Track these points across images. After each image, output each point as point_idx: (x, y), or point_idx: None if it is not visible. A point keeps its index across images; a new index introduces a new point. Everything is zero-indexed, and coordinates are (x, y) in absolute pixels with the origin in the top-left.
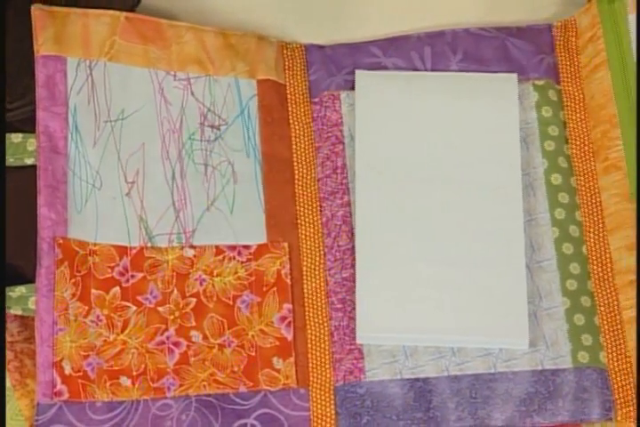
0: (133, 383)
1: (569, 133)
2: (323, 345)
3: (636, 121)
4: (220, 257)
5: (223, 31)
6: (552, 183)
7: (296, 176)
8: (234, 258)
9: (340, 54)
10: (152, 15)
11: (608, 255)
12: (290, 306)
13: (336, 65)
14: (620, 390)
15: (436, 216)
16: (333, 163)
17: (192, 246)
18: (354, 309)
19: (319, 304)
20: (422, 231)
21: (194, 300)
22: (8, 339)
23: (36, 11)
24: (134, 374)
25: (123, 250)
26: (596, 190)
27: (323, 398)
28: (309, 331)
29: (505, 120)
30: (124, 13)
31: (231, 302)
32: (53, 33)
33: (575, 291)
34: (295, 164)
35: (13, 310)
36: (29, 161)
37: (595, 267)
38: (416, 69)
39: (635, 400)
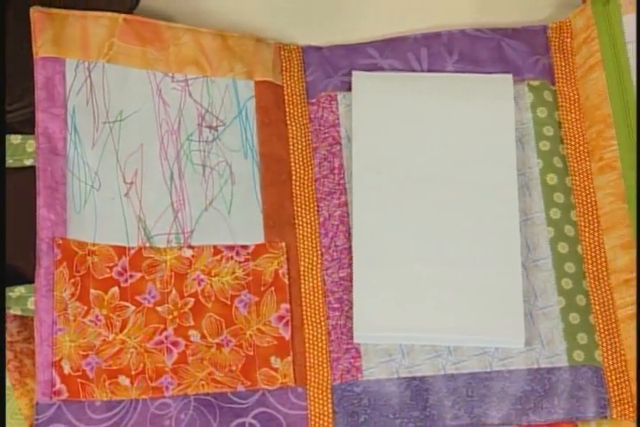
0: (132, 383)
1: (564, 134)
2: (320, 344)
3: (631, 121)
4: (218, 257)
5: (221, 33)
6: (547, 183)
7: (293, 177)
8: (232, 258)
9: (336, 56)
10: (150, 17)
11: (603, 254)
12: (287, 306)
13: (333, 66)
14: (616, 388)
15: (432, 216)
16: (330, 163)
17: (190, 247)
18: (351, 308)
19: (316, 304)
20: (418, 231)
21: (192, 300)
22: (8, 339)
23: (35, 13)
24: (133, 373)
25: (121, 250)
26: (591, 190)
27: (320, 396)
28: (307, 330)
29: (500, 120)
30: (123, 15)
31: (229, 302)
32: (52, 35)
33: (570, 290)
34: (292, 164)
35: (13, 311)
36: (28, 162)
37: (590, 266)
38: (412, 70)
39: (629, 398)
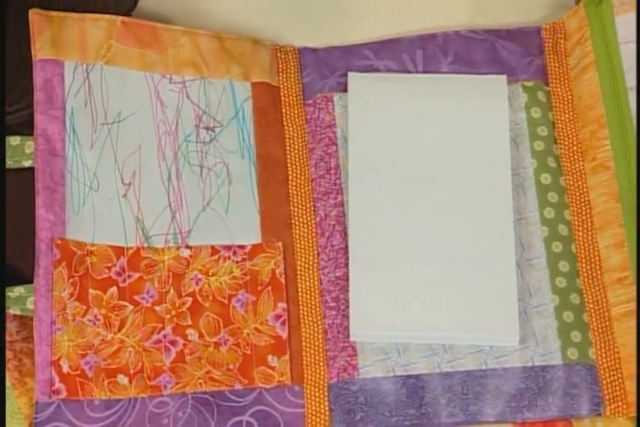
0: (130, 381)
1: (558, 134)
2: (317, 343)
3: (624, 121)
4: (216, 257)
5: (218, 35)
6: (541, 183)
7: (290, 177)
8: (229, 258)
9: (332, 57)
10: (148, 18)
11: (596, 253)
12: (284, 305)
13: (329, 67)
14: (609, 385)
15: (427, 215)
16: (327, 164)
17: (188, 247)
18: (347, 307)
19: (313, 303)
20: (413, 230)
21: (190, 299)
22: (7, 338)
23: (34, 15)
24: (131, 372)
25: (120, 250)
26: (585, 190)
27: (317, 395)
28: (304, 329)
29: (495, 121)
30: (120, 18)
31: (226, 301)
32: (51, 37)
33: (564, 288)
34: (289, 165)
35: (12, 310)
36: (27, 163)
37: (583, 265)
38: (408, 71)
39: (623, 395)
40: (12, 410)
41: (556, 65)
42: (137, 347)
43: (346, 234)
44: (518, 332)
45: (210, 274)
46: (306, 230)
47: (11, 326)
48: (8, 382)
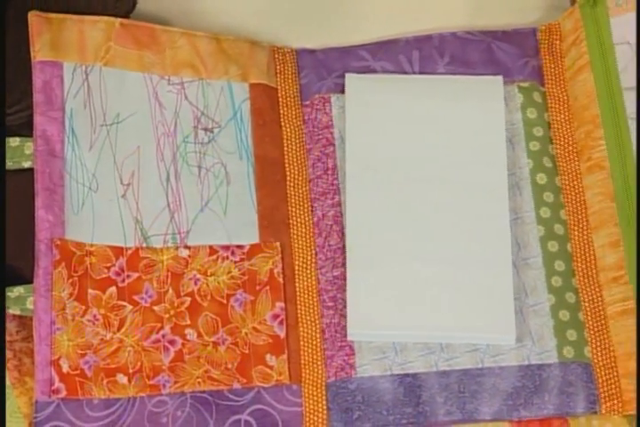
0: (129, 381)
1: (553, 134)
2: (314, 342)
3: (619, 121)
4: (214, 257)
5: (216, 36)
6: (537, 183)
7: (288, 177)
8: (227, 258)
9: (330, 58)
10: (146, 21)
11: (592, 253)
12: (282, 304)
13: (326, 69)
14: (605, 384)
15: (424, 215)
16: (324, 164)
17: (186, 247)
18: (344, 306)
19: (311, 302)
20: (410, 230)
21: (188, 299)
22: (7, 338)
23: (33, 17)
24: (130, 371)
25: (119, 251)
26: (580, 189)
27: (315, 393)
28: (301, 328)
29: (491, 121)
30: (119, 20)
31: (225, 301)
32: (50, 39)
33: (560, 287)
34: (287, 165)
35: (12, 310)
36: (27, 164)
37: (579, 264)
38: (404, 72)
39: (619, 394)
40: (11, 409)
41: (552, 66)
42: (136, 346)
43: (343, 234)
44: (515, 331)
45: (208, 274)
46: (303, 230)
47: (10, 326)
48: (8, 382)
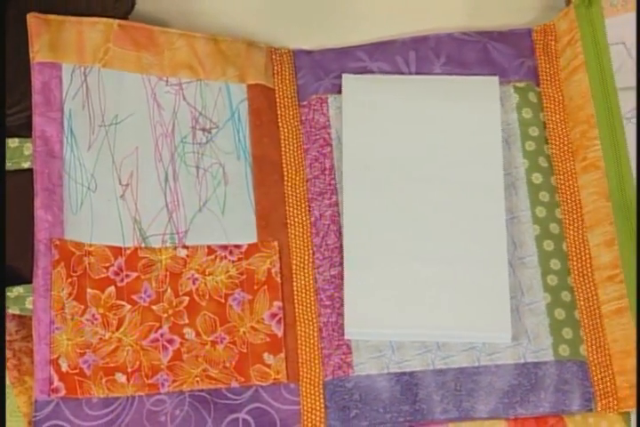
0: (128, 380)
1: (549, 134)
2: (312, 341)
3: (614, 121)
4: (212, 257)
5: (214, 37)
6: (533, 182)
7: (285, 177)
8: (225, 257)
9: (327, 59)
10: (145, 22)
11: (587, 252)
12: (280, 303)
13: (323, 69)
14: (600, 382)
15: (420, 215)
16: (321, 164)
17: (185, 246)
18: (342, 305)
19: (308, 301)
20: (407, 229)
21: (187, 298)
22: (7, 338)
23: (32, 18)
24: (129, 370)
25: (117, 251)
26: (576, 189)
27: (312, 392)
28: (299, 327)
29: (487, 121)
30: (118, 21)
31: (223, 300)
32: (49, 40)
33: (556, 286)
34: (284, 165)
35: (11, 310)
36: (26, 165)
37: (574, 263)
38: (401, 73)
39: (614, 391)
40: (11, 409)
41: (547, 66)
42: (135, 346)
43: (340, 233)
44: (510, 329)
45: (206, 273)
46: (301, 230)
47: (10, 326)
48: (7, 381)
